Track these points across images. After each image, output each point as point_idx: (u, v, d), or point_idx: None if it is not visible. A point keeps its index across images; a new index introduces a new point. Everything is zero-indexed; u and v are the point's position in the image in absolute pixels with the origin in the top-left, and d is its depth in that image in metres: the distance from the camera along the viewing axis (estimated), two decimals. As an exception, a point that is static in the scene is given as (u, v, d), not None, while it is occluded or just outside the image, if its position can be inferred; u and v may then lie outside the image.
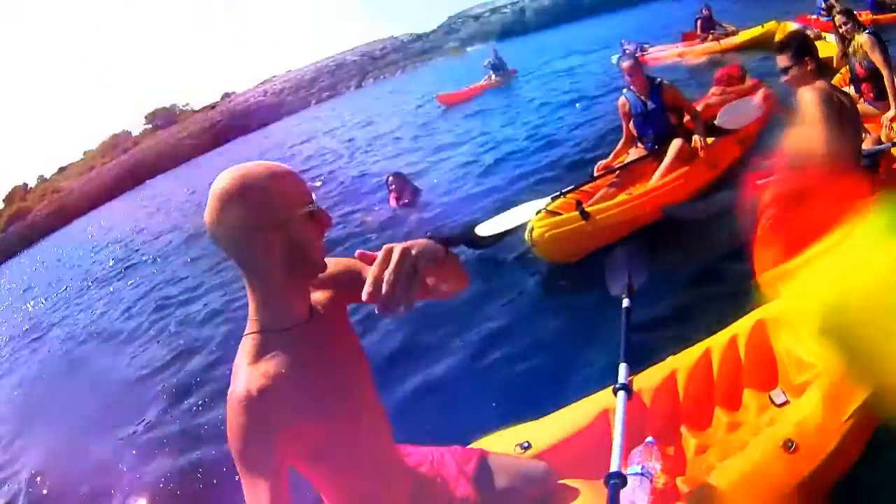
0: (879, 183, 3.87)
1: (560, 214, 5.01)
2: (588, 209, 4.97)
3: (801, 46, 3.82)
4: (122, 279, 12.34)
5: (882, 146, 4.24)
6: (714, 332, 2.74)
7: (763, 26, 13.59)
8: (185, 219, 16.18)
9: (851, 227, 2.28)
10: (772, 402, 2.48)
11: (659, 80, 5.79)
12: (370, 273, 1.18)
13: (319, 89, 55.52)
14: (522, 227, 4.88)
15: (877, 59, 5.18)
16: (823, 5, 12.35)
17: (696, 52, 14.43)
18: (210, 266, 9.74)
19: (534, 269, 5.08)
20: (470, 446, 2.18)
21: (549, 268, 5.01)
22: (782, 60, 3.82)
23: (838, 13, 5.90)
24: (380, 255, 1.20)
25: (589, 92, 14.06)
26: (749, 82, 7.95)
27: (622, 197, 5.38)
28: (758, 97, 6.12)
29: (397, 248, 1.19)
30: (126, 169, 50.35)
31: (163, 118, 59.71)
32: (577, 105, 12.75)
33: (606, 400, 2.40)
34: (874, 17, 11.84)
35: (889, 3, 12.38)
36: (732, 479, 1.91)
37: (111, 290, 11.96)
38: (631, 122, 5.88)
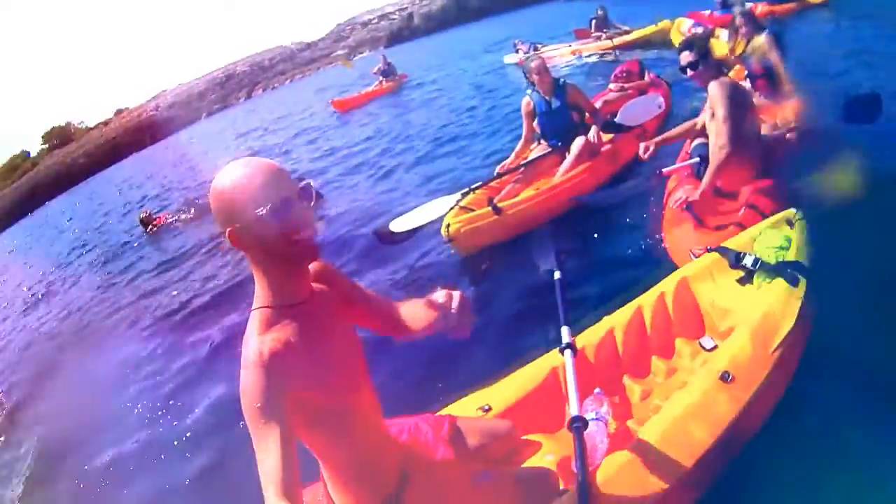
0: (776, 163, 4.36)
1: (473, 210, 5.29)
2: (500, 204, 5.23)
3: (703, 45, 4.26)
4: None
5: (777, 132, 4.73)
6: (642, 293, 3.05)
7: (657, 24, 14.27)
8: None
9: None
10: (702, 347, 2.81)
11: (563, 80, 6.07)
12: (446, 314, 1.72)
13: (210, 101, 55.01)
14: (435, 222, 5.08)
15: (774, 57, 5.65)
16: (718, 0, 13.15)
17: (590, 49, 15.00)
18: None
19: (452, 261, 5.35)
20: (438, 413, 2.39)
21: (465, 260, 5.26)
22: (686, 58, 4.23)
23: (739, 14, 6.22)
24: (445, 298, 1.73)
25: (482, 92, 14.67)
26: (648, 78, 8.30)
27: (530, 192, 5.66)
28: (657, 94, 6.51)
29: (458, 294, 1.72)
30: (25, 191, 48.08)
31: (59, 137, 57.13)
32: (473, 105, 13.27)
33: (553, 360, 2.66)
34: (771, 7, 12.71)
35: None
36: (678, 413, 2.16)
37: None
38: (535, 121, 6.11)
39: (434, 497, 1.91)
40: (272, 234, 1.49)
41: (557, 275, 2.73)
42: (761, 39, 5.78)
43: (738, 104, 4.09)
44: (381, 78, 20.20)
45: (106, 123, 56.26)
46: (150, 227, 11.76)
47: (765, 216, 3.56)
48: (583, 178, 5.60)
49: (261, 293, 1.59)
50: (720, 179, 4.12)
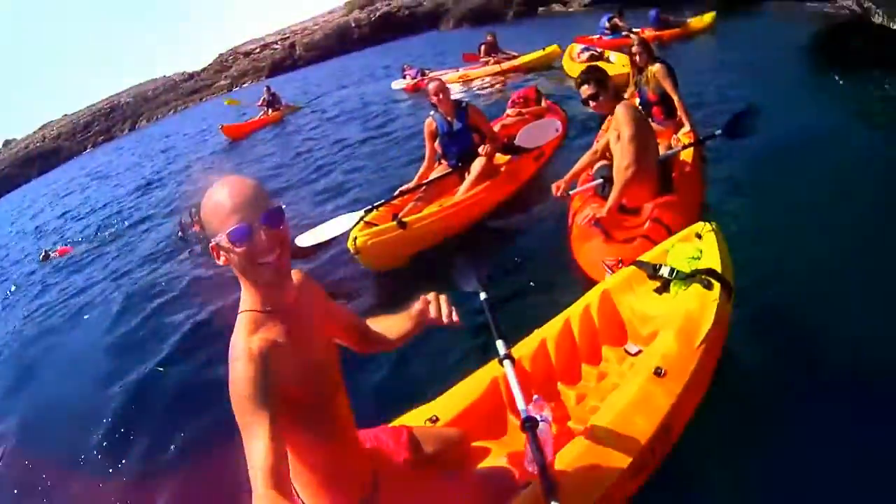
0: (674, 180, 4.88)
1: (377, 225, 5.50)
2: (404, 220, 5.47)
3: (600, 77, 4.65)
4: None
5: (672, 151, 5.27)
6: (568, 305, 3.36)
7: (545, 49, 14.97)
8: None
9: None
10: (627, 353, 3.13)
11: (465, 102, 6.32)
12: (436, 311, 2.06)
13: (95, 133, 53.24)
14: (339, 237, 5.41)
15: (668, 85, 6.10)
16: (607, 26, 14.33)
17: (478, 74, 15.48)
18: None
19: (360, 274, 5.60)
20: (392, 425, 2.54)
21: (376, 277, 5.50)
22: (586, 91, 4.62)
23: (637, 44, 6.52)
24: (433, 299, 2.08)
25: (371, 117, 15.07)
26: (544, 104, 8.73)
27: (433, 208, 5.94)
28: (554, 119, 6.94)
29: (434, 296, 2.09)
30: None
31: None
32: (363, 130, 13.69)
33: (492, 371, 2.89)
34: (657, 33, 13.89)
35: (671, 21, 14.54)
36: (621, 406, 2.45)
37: None
38: (436, 142, 6.31)
39: (406, 500, 2.08)
40: (235, 256, 1.63)
41: (483, 295, 2.85)
42: (655, 68, 6.17)
43: (642, 126, 4.54)
44: (266, 109, 20.33)
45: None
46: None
47: (668, 228, 4.07)
48: (482, 197, 5.92)
49: (247, 298, 1.72)
50: (624, 197, 4.54)
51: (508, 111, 8.64)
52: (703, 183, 5.30)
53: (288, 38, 55.89)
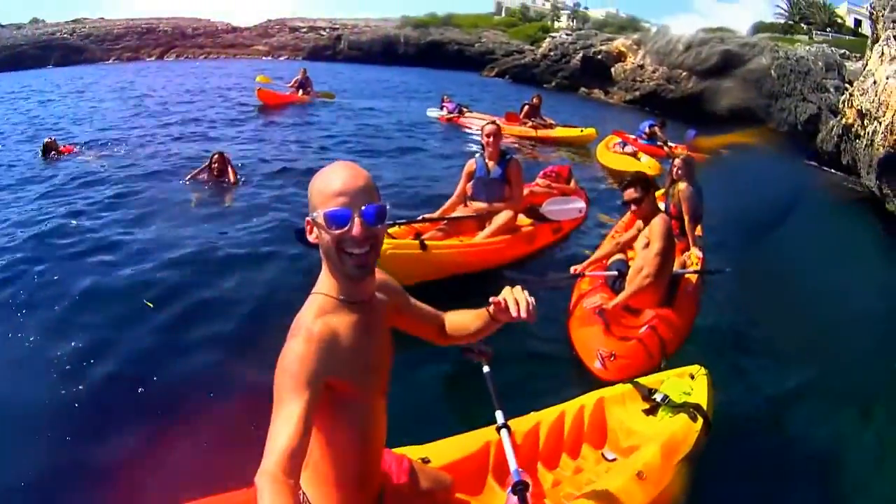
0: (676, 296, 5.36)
1: (399, 240, 5.82)
2: (426, 242, 5.81)
3: (646, 185, 5.15)
4: None
5: (681, 270, 5.78)
6: (564, 400, 3.81)
7: (582, 130, 15.60)
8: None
9: None
10: (604, 457, 3.53)
11: (510, 155, 6.72)
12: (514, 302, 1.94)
13: (124, 47, 52.50)
14: None
15: (685, 207, 6.59)
16: (647, 130, 14.86)
17: (512, 132, 15.61)
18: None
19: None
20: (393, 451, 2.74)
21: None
22: (631, 194, 5.09)
23: (681, 159, 7.00)
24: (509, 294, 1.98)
25: (398, 134, 15.62)
26: (573, 185, 9.25)
27: (453, 241, 6.31)
28: (580, 201, 7.31)
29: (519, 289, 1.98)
30: None
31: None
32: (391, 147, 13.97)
33: (486, 435, 3.22)
34: (689, 152, 14.27)
35: (704, 146, 15.00)
36: (597, 499, 2.80)
37: None
38: (470, 183, 6.66)
39: None
40: (325, 238, 1.71)
41: (486, 369, 3.10)
42: (681, 187, 6.64)
43: (670, 243, 5.04)
44: (296, 90, 20.67)
45: (18, 27, 52.39)
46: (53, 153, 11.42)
47: (662, 339, 4.68)
48: (501, 247, 6.29)
49: (324, 281, 1.81)
50: (632, 299, 5.05)
51: (539, 181, 9.00)
52: (699, 306, 5.76)
53: (337, 28, 56.45)
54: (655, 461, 3.08)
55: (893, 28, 10.94)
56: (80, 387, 4.14)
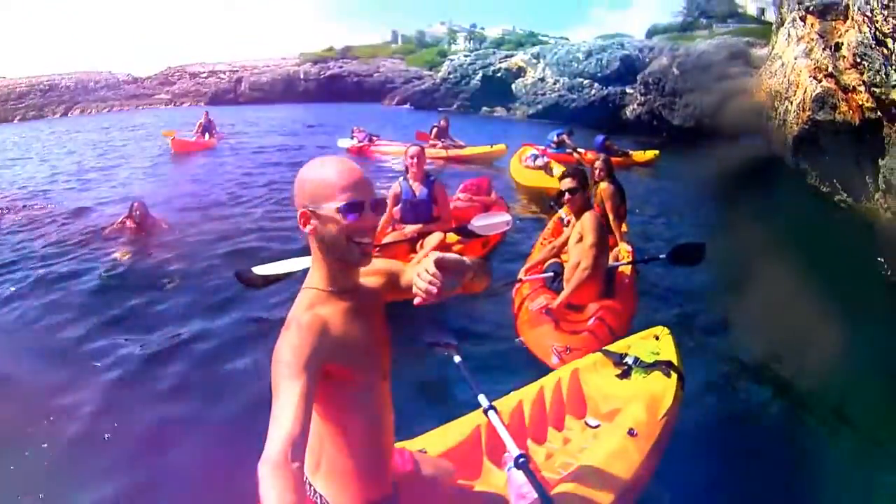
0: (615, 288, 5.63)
1: None
2: None
3: (583, 177, 5.46)
4: None
5: (617, 263, 6.08)
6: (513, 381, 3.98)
7: (493, 146, 16.03)
8: None
9: None
10: (588, 425, 3.69)
11: (434, 176, 6.85)
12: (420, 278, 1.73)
13: (28, 106, 50.90)
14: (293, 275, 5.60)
15: (608, 205, 6.92)
16: (555, 139, 15.45)
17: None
18: None
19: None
20: None
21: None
22: (568, 183, 5.37)
23: (601, 160, 7.36)
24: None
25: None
26: (493, 196, 9.42)
27: None
28: (505, 213, 7.30)
29: (432, 259, 1.76)
30: None
31: None
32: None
33: (474, 420, 3.34)
34: (597, 157, 14.76)
35: (615, 148, 15.66)
36: (600, 457, 2.98)
37: None
38: (397, 207, 6.74)
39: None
40: (336, 229, 1.76)
41: (458, 359, 3.22)
42: (603, 186, 6.99)
43: (602, 236, 5.29)
44: (201, 134, 20.63)
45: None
46: None
47: (610, 328, 4.93)
48: None
49: (314, 275, 1.88)
50: (575, 294, 5.25)
51: (459, 195, 9.10)
52: (637, 295, 6.06)
53: (237, 71, 56.82)
54: (642, 418, 3.27)
55: (799, 10, 11.27)
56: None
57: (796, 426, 4.48)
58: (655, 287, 6.81)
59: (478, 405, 2.97)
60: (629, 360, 3.87)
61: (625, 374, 3.84)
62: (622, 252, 6.63)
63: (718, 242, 8.14)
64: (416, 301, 1.74)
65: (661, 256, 6.02)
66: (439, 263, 1.75)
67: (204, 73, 57.21)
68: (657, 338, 4.13)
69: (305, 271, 1.90)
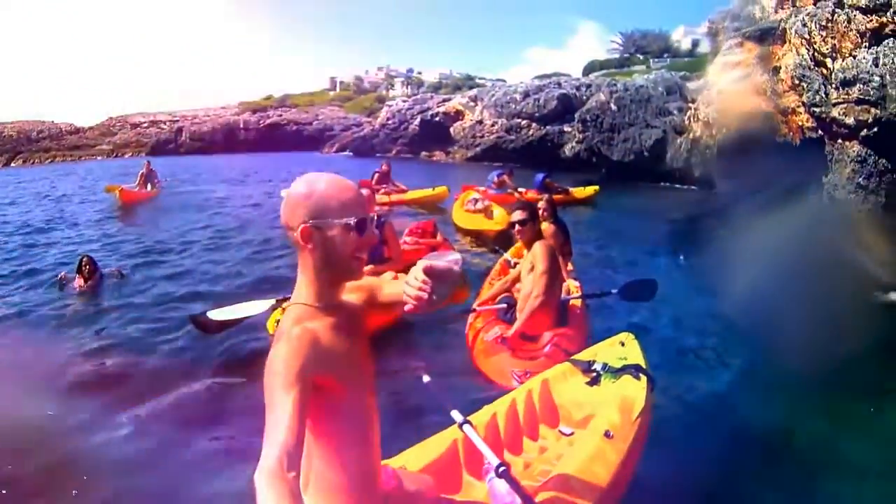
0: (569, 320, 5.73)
1: None
2: None
3: (534, 210, 5.63)
4: None
5: (568, 297, 6.14)
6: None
7: (434, 189, 16.25)
8: None
9: None
10: (562, 433, 3.74)
11: (384, 217, 6.86)
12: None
13: None
14: (255, 318, 5.75)
15: (553, 244, 6.71)
16: (496, 180, 15.69)
17: None
18: None
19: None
20: None
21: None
22: (519, 215, 5.48)
23: (544, 201, 7.47)
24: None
25: (258, 216, 15.78)
26: (440, 238, 9.50)
27: None
28: (454, 252, 7.31)
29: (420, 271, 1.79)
30: None
31: None
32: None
33: (450, 435, 3.35)
34: (539, 196, 14.87)
35: (555, 186, 15.88)
36: (579, 459, 3.02)
37: None
38: None
39: None
40: (342, 244, 1.81)
41: (426, 378, 3.33)
42: (546, 226, 7.00)
43: (553, 265, 5.40)
44: (142, 184, 20.33)
45: None
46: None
47: (567, 352, 4.89)
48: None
49: (302, 291, 1.90)
50: (529, 322, 5.32)
51: (406, 239, 9.10)
52: (589, 325, 6.12)
53: (178, 121, 56.76)
54: (616, 421, 3.34)
55: (735, 37, 11.49)
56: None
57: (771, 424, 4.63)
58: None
59: (452, 422, 3.06)
60: (597, 367, 3.97)
61: (594, 381, 3.94)
62: (571, 288, 6.69)
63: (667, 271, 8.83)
64: (407, 308, 1.80)
65: (613, 291, 6.14)
66: (428, 271, 1.77)
67: (145, 122, 57.22)
68: (623, 343, 4.27)
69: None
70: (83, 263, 8.77)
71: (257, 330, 5.99)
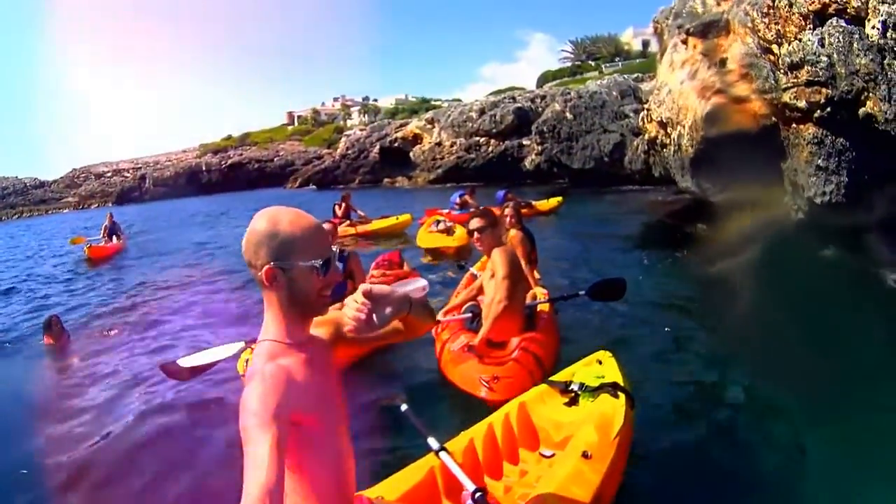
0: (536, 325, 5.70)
1: None
2: None
3: (492, 218, 5.57)
4: None
5: (535, 301, 6.16)
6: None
7: (398, 217, 16.21)
8: None
9: None
10: (542, 455, 3.63)
11: (347, 251, 6.72)
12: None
13: None
14: (224, 362, 5.54)
15: (520, 252, 6.81)
16: (458, 201, 15.75)
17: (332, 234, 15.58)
18: None
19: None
20: None
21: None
22: (477, 223, 5.46)
23: (510, 208, 7.56)
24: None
25: (225, 258, 15.43)
26: (406, 268, 9.43)
27: None
28: (420, 279, 7.19)
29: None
30: None
31: None
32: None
33: (428, 463, 3.23)
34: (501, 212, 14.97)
35: (518, 201, 15.65)
36: (556, 482, 2.91)
37: None
38: None
39: None
40: (307, 284, 1.80)
41: (404, 407, 3.39)
42: (512, 233, 7.12)
43: (514, 269, 5.32)
44: (106, 237, 19.93)
45: None
46: None
47: (535, 355, 4.98)
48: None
49: (270, 328, 1.87)
50: (494, 329, 5.26)
51: (373, 272, 9.04)
52: (558, 330, 6.13)
53: (140, 168, 57.32)
54: (594, 441, 3.25)
55: (679, 34, 11.75)
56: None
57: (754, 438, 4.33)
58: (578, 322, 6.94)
59: (429, 448, 3.07)
60: (574, 387, 3.91)
61: (573, 402, 3.88)
62: (539, 295, 6.67)
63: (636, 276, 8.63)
64: (347, 329, 1.83)
65: (581, 293, 6.01)
66: (367, 293, 1.80)
67: (108, 172, 57.84)
68: (600, 362, 4.18)
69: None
70: (52, 324, 8.55)
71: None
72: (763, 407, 4.78)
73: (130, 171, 56.84)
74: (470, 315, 5.79)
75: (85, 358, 7.91)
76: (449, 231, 13.29)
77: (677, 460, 3.99)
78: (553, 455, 3.58)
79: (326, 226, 6.62)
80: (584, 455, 3.10)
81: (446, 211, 15.42)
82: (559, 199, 17.57)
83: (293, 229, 1.77)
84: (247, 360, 5.41)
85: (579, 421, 3.63)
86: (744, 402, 4.87)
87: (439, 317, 5.84)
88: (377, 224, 16.24)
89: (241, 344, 5.66)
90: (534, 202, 17.22)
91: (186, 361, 5.40)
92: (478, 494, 2.61)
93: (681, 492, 3.70)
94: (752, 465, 3.89)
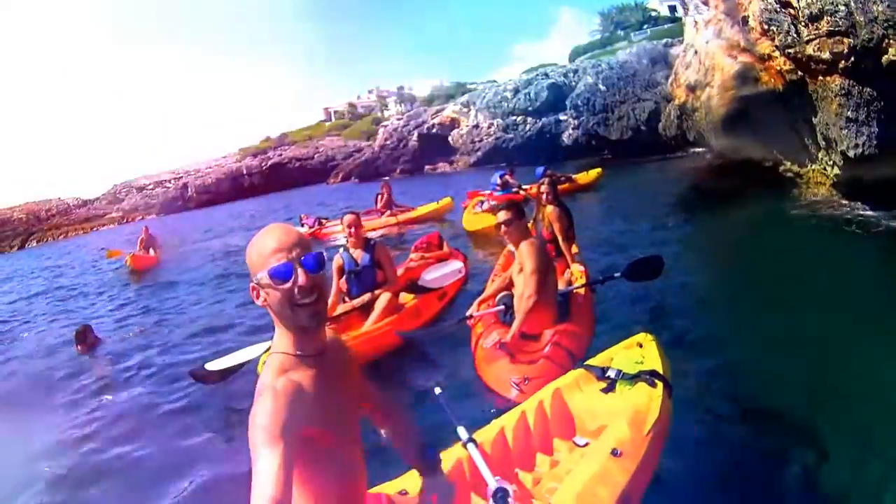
0: (569, 312, 5.56)
1: None
2: None
3: (518, 209, 5.43)
4: None
5: (569, 287, 6.01)
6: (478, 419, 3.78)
7: (439, 202, 16.24)
8: None
9: None
10: (576, 444, 3.54)
11: (374, 240, 6.78)
12: None
13: None
14: (249, 364, 5.65)
15: (557, 227, 6.97)
16: (499, 182, 15.62)
17: (376, 226, 15.86)
18: None
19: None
20: (370, 491, 2.76)
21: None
22: (503, 215, 5.35)
23: (546, 184, 7.47)
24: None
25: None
26: (446, 248, 9.41)
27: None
28: (457, 262, 7.46)
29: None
30: None
31: None
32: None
33: (455, 454, 3.18)
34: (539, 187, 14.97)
35: (557, 176, 15.67)
36: (581, 481, 2.82)
37: None
38: (342, 279, 6.62)
39: None
40: (272, 296, 1.78)
41: (438, 390, 3.29)
42: (549, 210, 7.08)
43: (543, 261, 5.21)
44: (143, 249, 20.02)
45: None
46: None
47: (568, 351, 4.85)
48: (388, 330, 6.20)
49: (280, 341, 1.86)
50: (526, 324, 5.14)
51: (412, 255, 9.12)
52: (595, 316, 6.00)
53: (181, 178, 57.58)
54: (626, 436, 3.12)
55: None
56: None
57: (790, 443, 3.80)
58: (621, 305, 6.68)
59: (458, 439, 2.99)
60: (612, 374, 3.75)
61: (610, 388, 3.72)
62: (575, 274, 6.62)
63: (676, 249, 8.51)
64: None
65: (617, 275, 5.92)
66: None
67: (150, 184, 57.96)
68: (640, 345, 4.01)
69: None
70: (83, 332, 8.86)
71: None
72: (823, 402, 4.16)
73: (172, 181, 57.38)
74: (503, 307, 5.69)
75: (115, 363, 8.13)
76: (494, 210, 13.01)
77: (716, 454, 3.75)
78: (587, 444, 3.47)
79: (348, 217, 6.63)
80: (614, 453, 2.99)
81: (488, 192, 15.24)
82: (598, 170, 17.44)
83: (250, 246, 1.81)
84: (265, 363, 5.36)
85: (614, 411, 3.48)
86: (797, 394, 4.27)
87: (472, 310, 5.81)
88: (419, 211, 16.27)
89: (266, 344, 5.69)
90: (574, 176, 17.13)
91: (214, 365, 5.56)
92: (499, 495, 2.51)
93: (716, 488, 3.47)
94: (806, 476, 3.44)
